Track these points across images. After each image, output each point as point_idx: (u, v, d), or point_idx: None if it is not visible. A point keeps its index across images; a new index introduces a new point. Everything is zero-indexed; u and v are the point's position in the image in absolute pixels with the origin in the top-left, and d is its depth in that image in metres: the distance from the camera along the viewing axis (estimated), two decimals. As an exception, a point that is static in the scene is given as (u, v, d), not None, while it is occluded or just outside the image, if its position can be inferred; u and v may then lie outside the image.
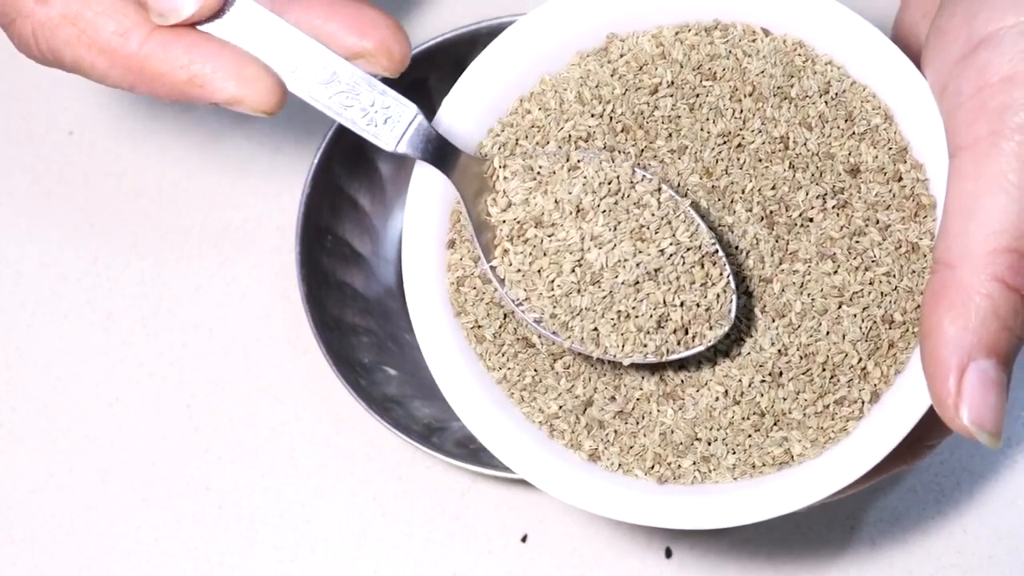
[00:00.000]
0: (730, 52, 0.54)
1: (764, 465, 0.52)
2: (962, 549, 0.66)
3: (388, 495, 0.67)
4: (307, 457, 0.68)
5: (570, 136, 0.53)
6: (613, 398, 0.53)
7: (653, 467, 0.52)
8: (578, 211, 0.51)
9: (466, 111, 0.53)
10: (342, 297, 0.68)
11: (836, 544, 0.66)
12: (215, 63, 0.51)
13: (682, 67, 0.54)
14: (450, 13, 0.73)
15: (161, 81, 0.51)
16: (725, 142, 0.53)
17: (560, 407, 0.53)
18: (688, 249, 0.51)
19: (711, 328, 0.51)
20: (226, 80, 0.50)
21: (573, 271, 0.50)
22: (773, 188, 0.53)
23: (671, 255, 0.51)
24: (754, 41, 0.54)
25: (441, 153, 0.52)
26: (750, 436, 0.52)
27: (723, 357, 0.52)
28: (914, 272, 0.52)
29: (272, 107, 0.51)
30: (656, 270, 0.50)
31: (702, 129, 0.53)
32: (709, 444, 0.52)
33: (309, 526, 0.67)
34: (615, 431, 0.52)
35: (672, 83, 0.54)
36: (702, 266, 0.51)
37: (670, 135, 0.53)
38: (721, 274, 0.51)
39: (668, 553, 0.66)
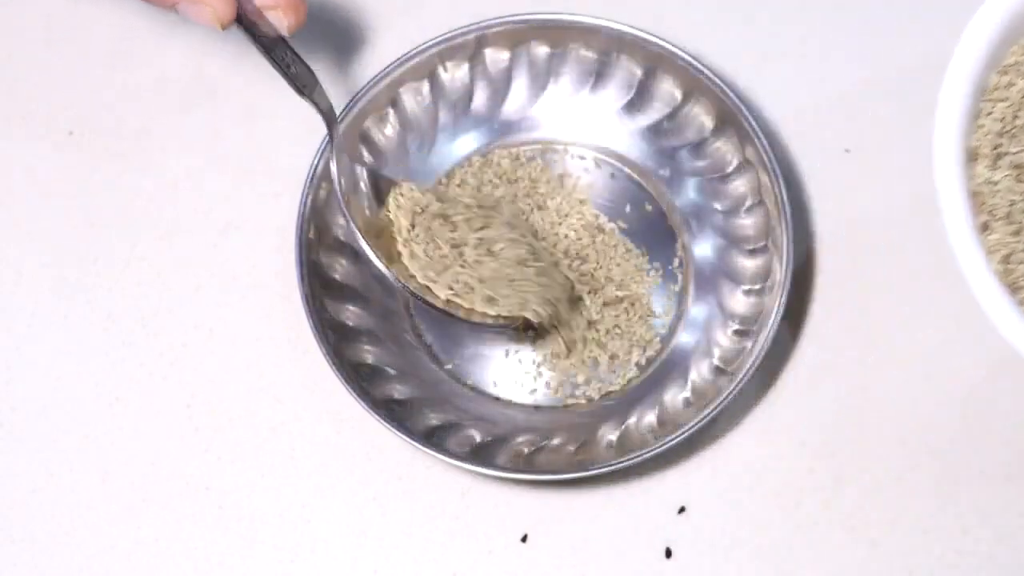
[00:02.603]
0: None
1: None
2: (962, 549, 0.66)
3: (388, 495, 0.67)
4: (307, 457, 0.68)
5: None
6: None
7: None
8: None
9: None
10: (342, 297, 0.68)
11: (836, 544, 0.66)
12: None
13: None
14: (450, 13, 0.73)
15: None
16: None
17: None
18: None
19: None
20: None
21: None
22: None
23: None
24: None
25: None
26: None
27: None
28: None
29: (227, 20, 0.60)
30: None
31: None
32: None
33: (309, 526, 0.67)
34: None
35: None
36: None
37: None
38: None
39: (668, 553, 0.66)
